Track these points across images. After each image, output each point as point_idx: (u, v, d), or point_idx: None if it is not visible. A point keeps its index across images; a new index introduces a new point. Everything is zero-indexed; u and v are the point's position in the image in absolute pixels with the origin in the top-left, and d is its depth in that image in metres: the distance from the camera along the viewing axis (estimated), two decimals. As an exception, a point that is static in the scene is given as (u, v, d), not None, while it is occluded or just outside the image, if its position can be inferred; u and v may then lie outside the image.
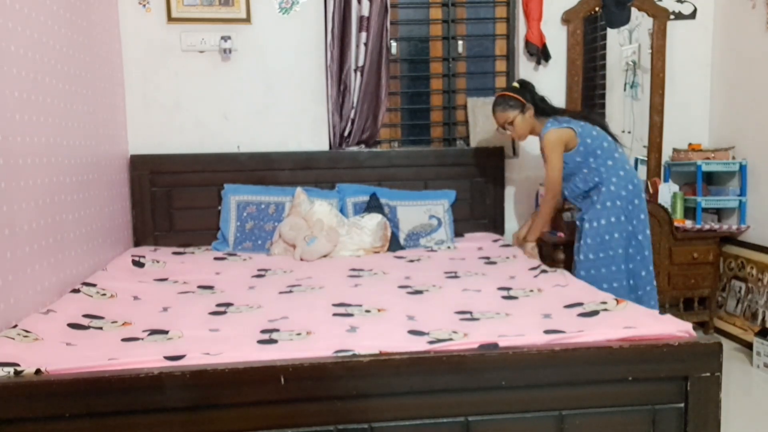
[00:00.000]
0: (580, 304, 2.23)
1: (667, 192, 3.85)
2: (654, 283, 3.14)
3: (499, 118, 3.20)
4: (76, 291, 2.49)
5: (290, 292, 2.60)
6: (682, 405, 1.80)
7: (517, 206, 3.92)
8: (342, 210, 3.53)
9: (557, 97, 3.93)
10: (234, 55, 3.69)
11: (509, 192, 3.87)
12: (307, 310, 2.28)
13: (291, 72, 3.75)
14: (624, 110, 4.11)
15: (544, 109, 3.20)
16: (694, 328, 1.93)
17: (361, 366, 1.71)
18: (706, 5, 3.96)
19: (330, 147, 3.80)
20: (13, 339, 1.93)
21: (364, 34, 3.66)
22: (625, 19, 3.83)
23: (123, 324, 2.18)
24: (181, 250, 3.43)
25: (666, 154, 4.00)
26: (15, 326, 2.04)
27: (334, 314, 2.22)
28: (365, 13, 3.63)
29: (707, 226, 3.77)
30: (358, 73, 3.69)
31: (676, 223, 3.71)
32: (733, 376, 3.19)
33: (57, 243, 2.56)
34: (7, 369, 1.65)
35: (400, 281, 2.72)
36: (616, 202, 3.08)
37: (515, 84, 3.26)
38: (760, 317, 3.56)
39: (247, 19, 3.68)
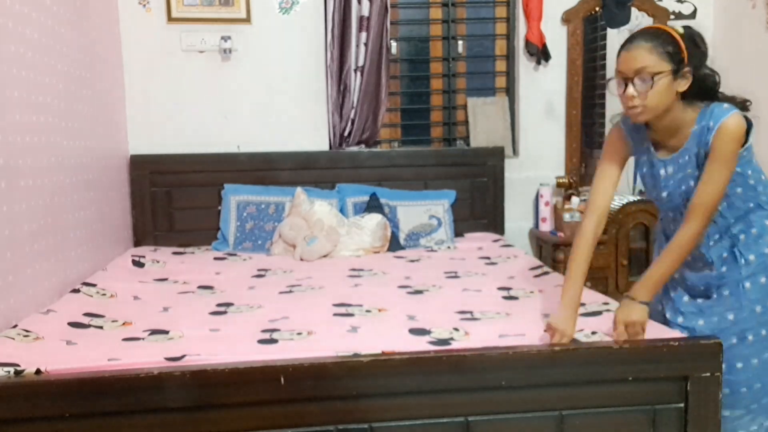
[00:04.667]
0: (581, 305, 2.22)
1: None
2: None
3: (640, 59, 1.83)
4: (76, 291, 2.49)
5: (290, 292, 2.60)
6: (682, 405, 1.80)
7: (517, 206, 3.92)
8: (342, 210, 3.53)
9: (557, 97, 3.94)
10: (234, 55, 3.68)
11: (509, 192, 3.86)
12: (308, 310, 2.28)
13: (291, 72, 3.75)
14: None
15: (702, 89, 2.01)
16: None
17: (362, 366, 1.71)
18: (706, 5, 3.95)
19: (330, 147, 3.80)
20: (13, 339, 1.93)
21: (364, 34, 3.65)
22: (625, 19, 3.82)
23: (123, 324, 2.18)
24: (181, 250, 3.43)
25: (666, 154, 4.00)
26: (15, 326, 2.04)
27: (335, 314, 2.22)
28: (365, 13, 3.63)
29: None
30: (358, 73, 3.69)
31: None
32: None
33: (57, 243, 2.56)
34: (7, 369, 1.65)
35: (401, 281, 2.72)
36: None
37: (678, 28, 1.94)
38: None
39: (247, 19, 3.67)
